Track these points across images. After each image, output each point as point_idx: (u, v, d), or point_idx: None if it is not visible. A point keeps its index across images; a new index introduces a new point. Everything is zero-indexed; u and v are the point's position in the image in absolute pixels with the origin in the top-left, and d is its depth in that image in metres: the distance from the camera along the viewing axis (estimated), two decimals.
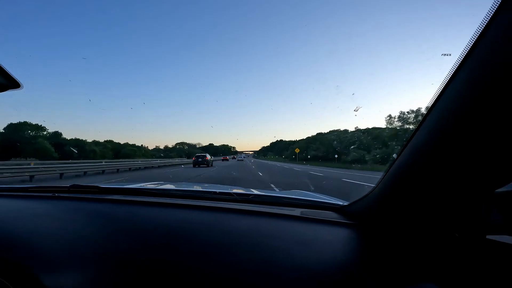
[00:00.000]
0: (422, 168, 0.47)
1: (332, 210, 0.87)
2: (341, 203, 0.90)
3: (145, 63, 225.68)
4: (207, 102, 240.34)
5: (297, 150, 36.20)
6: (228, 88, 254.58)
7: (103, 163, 17.33)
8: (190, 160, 25.59)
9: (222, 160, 45.82)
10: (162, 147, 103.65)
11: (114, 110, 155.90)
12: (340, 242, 0.66)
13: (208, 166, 20.06)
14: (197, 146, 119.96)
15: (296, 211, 0.86)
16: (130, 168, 18.72)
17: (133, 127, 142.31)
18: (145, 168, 21.06)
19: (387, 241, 0.62)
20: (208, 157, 21.32)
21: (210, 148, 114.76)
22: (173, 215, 0.84)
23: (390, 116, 33.17)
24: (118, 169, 17.19)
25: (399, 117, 32.06)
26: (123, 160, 32.47)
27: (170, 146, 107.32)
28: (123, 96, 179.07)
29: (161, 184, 1.52)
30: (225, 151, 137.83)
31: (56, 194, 1.06)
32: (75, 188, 1.12)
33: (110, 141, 59.35)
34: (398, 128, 31.27)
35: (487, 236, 0.50)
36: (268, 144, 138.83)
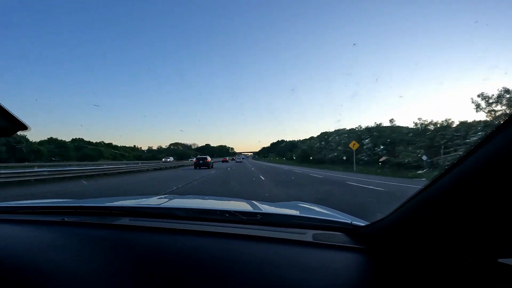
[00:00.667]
0: (457, 199, 0.46)
1: (345, 231, 0.84)
2: (350, 221, 0.88)
3: (139, 61, 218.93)
4: (204, 102, 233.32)
5: (354, 146, 22.45)
6: (225, 87, 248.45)
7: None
8: (179, 163, 25.22)
9: (222, 161, 46.21)
10: (156, 147, 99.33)
11: (109, 110, 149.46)
12: (354, 269, 0.64)
13: (208, 167, 20.85)
14: (193, 146, 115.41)
15: (308, 235, 0.81)
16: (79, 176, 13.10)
17: (128, 127, 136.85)
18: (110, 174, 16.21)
19: (401, 269, 0.60)
20: (209, 159, 22.40)
21: (206, 149, 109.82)
22: (179, 243, 0.79)
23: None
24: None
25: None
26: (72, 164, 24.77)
27: (164, 146, 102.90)
28: (117, 95, 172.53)
29: (168, 199, 1.45)
30: (223, 152, 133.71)
31: (66, 219, 1.00)
32: (82, 210, 1.10)
33: (80, 140, 53.10)
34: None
35: (499, 260, 0.50)
36: (269, 144, 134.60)
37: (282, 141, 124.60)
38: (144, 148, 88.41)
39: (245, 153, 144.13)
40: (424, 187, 0.51)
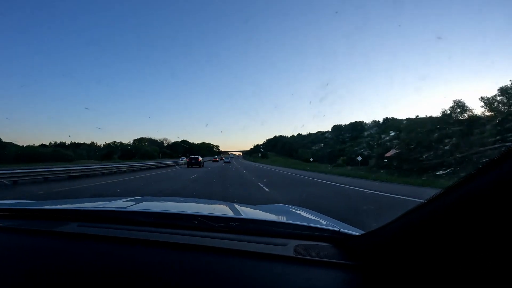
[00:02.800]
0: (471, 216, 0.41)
1: (333, 242, 0.77)
2: (338, 229, 0.81)
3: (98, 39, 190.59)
4: (180, 88, 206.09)
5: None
6: (207, 72, 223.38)
7: None
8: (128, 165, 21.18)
9: (213, 161, 46.24)
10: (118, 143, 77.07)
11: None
12: None
13: (200, 166, 23.78)
14: (164, 142, 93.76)
15: (289, 246, 0.73)
16: None
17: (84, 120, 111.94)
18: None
19: None
20: (200, 158, 25.91)
21: (178, 146, 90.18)
22: (135, 257, 0.69)
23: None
24: None
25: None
26: None
27: (126, 142, 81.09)
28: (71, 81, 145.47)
29: (135, 202, 1.27)
30: (205, 150, 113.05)
31: (0, 224, 0.89)
32: (25, 213, 0.97)
33: None
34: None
35: None
36: (263, 141, 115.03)
37: (281, 137, 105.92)
38: (100, 143, 73.91)
39: (232, 153, 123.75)
40: (438, 195, 0.46)
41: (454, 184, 0.42)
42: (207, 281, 0.59)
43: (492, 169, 0.37)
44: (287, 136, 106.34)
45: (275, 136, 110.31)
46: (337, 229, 0.82)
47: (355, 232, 0.81)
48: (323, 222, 1.02)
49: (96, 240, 0.78)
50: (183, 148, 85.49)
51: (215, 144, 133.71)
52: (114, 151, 60.03)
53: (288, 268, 0.64)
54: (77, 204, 1.23)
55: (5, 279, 0.61)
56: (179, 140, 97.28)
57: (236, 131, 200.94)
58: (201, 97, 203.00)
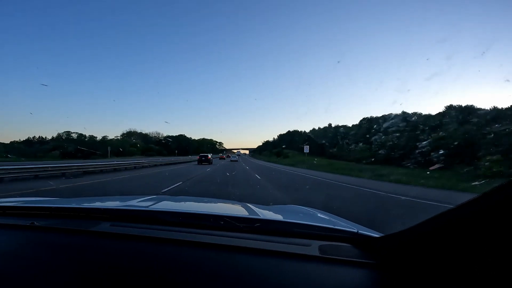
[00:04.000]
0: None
1: (353, 243, 0.79)
2: (356, 230, 0.83)
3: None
4: (179, 79, 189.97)
5: None
6: (216, 71, 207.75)
7: None
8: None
9: (220, 158, 47.54)
10: (112, 137, 62.75)
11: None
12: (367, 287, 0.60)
13: (209, 163, 25.54)
14: (155, 137, 78.24)
15: (313, 247, 0.75)
16: None
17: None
18: None
19: None
20: (209, 156, 27.88)
21: (174, 142, 76.65)
22: (169, 255, 0.72)
23: None
24: None
25: None
26: None
27: (114, 136, 66.40)
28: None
29: (156, 201, 1.36)
30: (206, 147, 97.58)
31: (36, 223, 0.90)
32: (59, 212, 1.01)
33: None
34: None
35: None
36: (272, 137, 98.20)
37: (296, 132, 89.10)
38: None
39: (236, 150, 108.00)
40: (465, 203, 0.45)
41: (487, 191, 0.42)
42: (239, 279, 0.60)
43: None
44: (303, 132, 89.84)
45: (289, 131, 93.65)
46: (355, 230, 0.84)
47: (372, 233, 0.83)
48: (341, 223, 1.06)
49: (130, 240, 0.80)
50: (176, 144, 70.07)
51: (218, 141, 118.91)
52: (61, 145, 43.69)
53: (313, 266, 0.66)
54: (105, 203, 1.27)
55: (42, 276, 0.62)
56: (175, 134, 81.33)
57: (241, 128, 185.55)
58: (203, 92, 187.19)
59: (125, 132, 75.68)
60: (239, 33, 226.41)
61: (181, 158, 36.75)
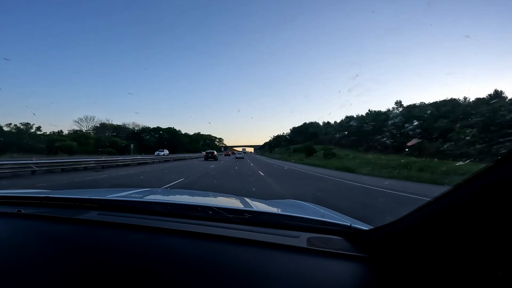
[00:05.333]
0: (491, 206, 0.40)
1: (344, 236, 0.79)
2: (349, 224, 0.83)
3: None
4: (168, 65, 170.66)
5: None
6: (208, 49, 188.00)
7: None
8: None
9: (225, 155, 47.22)
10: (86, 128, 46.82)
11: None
12: (356, 282, 0.59)
13: (215, 160, 26.73)
14: (134, 129, 60.88)
15: (302, 238, 0.76)
16: None
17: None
18: None
19: (412, 284, 0.55)
20: (215, 153, 29.12)
21: (162, 137, 59.60)
22: (153, 244, 0.72)
23: None
24: None
25: None
26: None
27: (86, 129, 51.47)
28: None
29: (150, 193, 1.40)
30: (205, 144, 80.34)
31: (23, 211, 0.91)
32: (48, 201, 1.01)
33: None
34: None
35: None
36: (285, 131, 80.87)
37: (313, 124, 71.68)
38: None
39: (241, 148, 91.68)
40: (452, 189, 0.46)
41: (463, 181, 0.43)
42: (223, 268, 0.60)
43: (497, 168, 0.38)
44: (318, 123, 72.47)
45: (306, 123, 76.10)
46: (348, 224, 0.83)
47: (365, 227, 0.82)
48: (334, 216, 1.07)
49: (116, 228, 0.80)
50: (161, 140, 52.82)
51: (218, 137, 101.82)
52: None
53: (301, 258, 0.66)
54: (95, 194, 1.23)
55: (28, 263, 0.62)
56: (165, 127, 63.83)
57: (243, 125, 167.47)
58: (202, 87, 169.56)
59: (98, 125, 58.55)
60: (239, 23, 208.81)
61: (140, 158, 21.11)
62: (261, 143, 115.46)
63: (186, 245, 0.70)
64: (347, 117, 54.56)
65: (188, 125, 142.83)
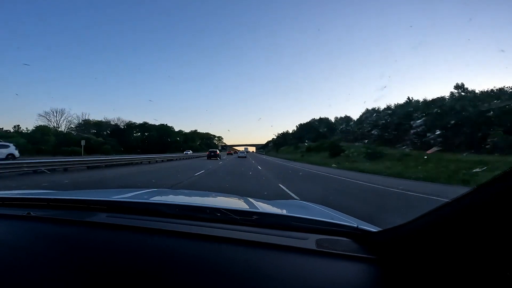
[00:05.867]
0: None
1: (352, 237, 0.79)
2: (356, 225, 0.83)
3: None
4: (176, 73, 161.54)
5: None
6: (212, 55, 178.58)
7: None
8: None
9: (227, 154, 49.39)
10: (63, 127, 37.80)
11: None
12: (365, 282, 0.59)
13: (218, 159, 27.13)
14: (116, 125, 52.70)
15: (310, 241, 0.75)
16: None
17: None
18: None
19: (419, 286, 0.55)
20: (218, 151, 30.50)
21: (151, 134, 52.58)
22: (164, 246, 0.72)
23: None
24: None
25: None
26: None
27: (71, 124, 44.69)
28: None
29: (156, 194, 1.39)
30: (202, 143, 72.95)
31: (32, 214, 0.91)
32: (56, 203, 1.02)
33: None
34: None
35: None
36: (286, 130, 73.22)
37: (323, 120, 63.77)
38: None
39: (243, 147, 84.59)
40: (464, 195, 0.45)
41: (480, 185, 0.43)
42: (234, 271, 0.61)
43: None
44: (328, 119, 64.53)
45: (314, 119, 68.11)
46: (355, 225, 0.83)
47: (372, 228, 0.82)
48: (341, 218, 1.06)
49: (125, 230, 0.80)
50: (150, 138, 44.94)
51: (217, 135, 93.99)
52: None
53: (311, 260, 0.66)
54: (103, 195, 1.23)
55: (37, 266, 0.62)
56: (156, 123, 55.73)
57: (243, 123, 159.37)
58: (200, 83, 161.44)
59: (81, 121, 50.51)
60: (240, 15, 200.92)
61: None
62: (263, 141, 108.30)
63: (195, 248, 0.70)
64: (372, 110, 46.40)
65: (186, 123, 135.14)
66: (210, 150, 30.65)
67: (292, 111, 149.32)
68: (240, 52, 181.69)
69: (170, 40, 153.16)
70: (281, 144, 60.68)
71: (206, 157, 28.58)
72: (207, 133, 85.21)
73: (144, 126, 52.71)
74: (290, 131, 73.59)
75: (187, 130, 72.38)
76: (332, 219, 0.91)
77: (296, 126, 75.58)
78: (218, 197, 1.61)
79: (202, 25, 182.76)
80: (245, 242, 0.72)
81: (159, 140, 50.69)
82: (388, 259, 0.63)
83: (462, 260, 0.47)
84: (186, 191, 3.22)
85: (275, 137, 76.79)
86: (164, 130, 55.35)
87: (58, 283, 0.57)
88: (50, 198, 1.03)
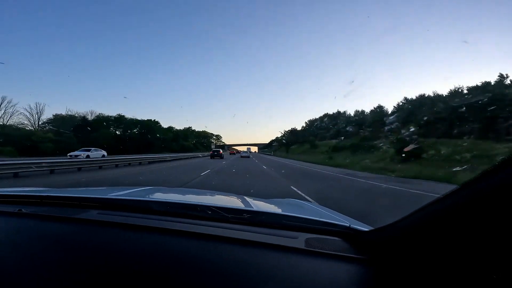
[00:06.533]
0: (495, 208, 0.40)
1: (343, 236, 0.78)
2: (348, 224, 0.83)
3: None
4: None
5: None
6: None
7: None
8: None
9: (230, 153, 48.52)
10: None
11: None
12: (354, 284, 0.58)
13: (221, 158, 27.64)
14: (85, 118, 42.90)
15: (300, 239, 0.75)
16: None
17: None
18: None
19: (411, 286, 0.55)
20: (221, 151, 30.98)
21: (132, 131, 43.81)
22: (154, 243, 0.72)
23: None
24: None
25: None
26: None
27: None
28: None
29: (149, 192, 1.39)
30: (198, 143, 63.82)
31: (23, 210, 0.91)
32: (49, 200, 1.02)
33: None
34: None
35: None
36: (286, 129, 63.74)
37: (342, 114, 54.40)
38: None
39: (238, 147, 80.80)
40: (455, 190, 0.46)
41: (469, 181, 0.42)
42: (220, 269, 0.61)
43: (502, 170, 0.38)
44: (343, 113, 54.95)
45: (327, 114, 58.58)
46: (347, 225, 0.83)
47: (365, 228, 0.81)
48: (334, 217, 1.06)
49: (115, 227, 0.80)
50: (151, 132, 35.61)
51: (215, 134, 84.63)
52: None
53: (298, 259, 0.65)
54: (96, 193, 1.25)
55: (29, 263, 0.62)
56: (143, 118, 46.75)
57: (244, 122, 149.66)
58: (197, 80, 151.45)
59: (52, 117, 40.64)
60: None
61: None
62: (265, 141, 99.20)
63: (184, 245, 0.70)
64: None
65: (183, 121, 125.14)
66: (213, 149, 31.44)
67: (293, 110, 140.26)
68: (232, 52, 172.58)
69: (169, 37, 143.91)
70: (291, 142, 50.82)
71: (209, 157, 29.18)
72: (204, 131, 75.66)
73: (120, 121, 42.85)
74: (299, 128, 64.07)
75: (184, 128, 62.90)
76: (325, 218, 0.89)
77: (306, 122, 66.09)
78: (213, 196, 1.58)
79: (203, 19, 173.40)
80: (235, 240, 0.72)
81: (140, 137, 40.96)
82: (379, 258, 0.62)
83: (452, 258, 0.47)
84: (181, 189, 3.26)
85: (281, 135, 67.06)
86: (147, 126, 45.74)
87: (49, 280, 0.57)
88: (42, 195, 1.03)
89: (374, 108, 48.88)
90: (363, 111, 50.50)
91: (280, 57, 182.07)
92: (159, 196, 1.35)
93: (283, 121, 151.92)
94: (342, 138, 37.15)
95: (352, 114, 47.35)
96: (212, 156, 28.13)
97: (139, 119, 46.49)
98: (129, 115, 47.31)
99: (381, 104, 50.43)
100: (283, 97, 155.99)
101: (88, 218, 0.85)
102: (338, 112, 54.05)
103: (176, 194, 1.58)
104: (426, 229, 0.51)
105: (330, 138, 40.25)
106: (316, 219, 0.87)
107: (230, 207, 0.98)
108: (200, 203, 0.97)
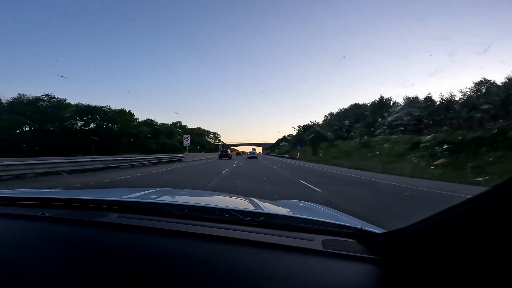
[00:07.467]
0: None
1: (357, 238, 0.80)
2: (360, 226, 0.85)
3: None
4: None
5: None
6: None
7: None
8: None
9: (236, 154, 49.69)
10: None
11: None
12: (370, 283, 0.60)
13: (229, 158, 29.12)
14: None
15: (316, 242, 0.77)
16: None
17: None
18: None
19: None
20: (229, 152, 33.79)
21: (117, 127, 32.50)
22: (174, 246, 0.74)
23: None
24: None
25: None
26: None
27: None
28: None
29: (163, 194, 1.40)
30: (194, 139, 50.75)
31: (46, 214, 0.93)
32: (68, 203, 1.04)
33: None
34: None
35: None
36: (299, 125, 52.44)
37: (359, 106, 41.76)
38: None
39: (238, 146, 76.79)
40: (469, 199, 0.46)
41: (487, 190, 0.42)
42: (242, 270, 0.62)
43: None
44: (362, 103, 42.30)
45: (355, 104, 45.47)
46: (359, 227, 0.85)
47: (377, 230, 0.84)
48: (346, 219, 1.07)
49: (136, 231, 0.81)
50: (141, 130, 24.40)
51: (212, 131, 72.68)
52: None
53: (317, 260, 0.67)
54: (112, 195, 1.26)
55: (50, 267, 0.63)
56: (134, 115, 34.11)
57: (244, 121, 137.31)
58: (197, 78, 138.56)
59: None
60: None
61: None
62: (266, 141, 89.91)
63: (204, 248, 0.71)
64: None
65: (176, 117, 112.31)
66: (221, 150, 32.98)
67: (293, 110, 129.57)
68: (229, 50, 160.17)
69: (167, 34, 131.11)
70: (317, 140, 37.37)
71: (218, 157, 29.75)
72: (198, 128, 62.54)
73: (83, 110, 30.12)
74: (320, 122, 50.63)
75: (171, 124, 49.92)
76: (337, 221, 0.92)
77: (326, 115, 52.66)
78: (224, 197, 1.62)
79: (204, 15, 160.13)
80: (252, 242, 0.73)
81: (100, 133, 28.06)
82: (393, 260, 0.64)
83: (466, 263, 0.48)
84: (191, 191, 3.20)
85: (297, 131, 53.85)
86: (102, 115, 32.32)
87: (72, 283, 0.58)
88: (62, 198, 1.05)
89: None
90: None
91: (290, 52, 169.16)
92: (175, 198, 1.36)
93: (284, 121, 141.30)
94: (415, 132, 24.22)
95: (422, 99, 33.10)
96: (220, 157, 29.52)
97: (90, 104, 33.12)
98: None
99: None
100: (288, 95, 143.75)
101: (109, 221, 0.86)
102: (386, 99, 39.91)
103: (190, 197, 1.58)
104: (440, 235, 0.52)
105: (384, 134, 27.03)
106: (330, 222, 0.89)
107: (247, 210, 0.99)
108: (217, 206, 0.99)
